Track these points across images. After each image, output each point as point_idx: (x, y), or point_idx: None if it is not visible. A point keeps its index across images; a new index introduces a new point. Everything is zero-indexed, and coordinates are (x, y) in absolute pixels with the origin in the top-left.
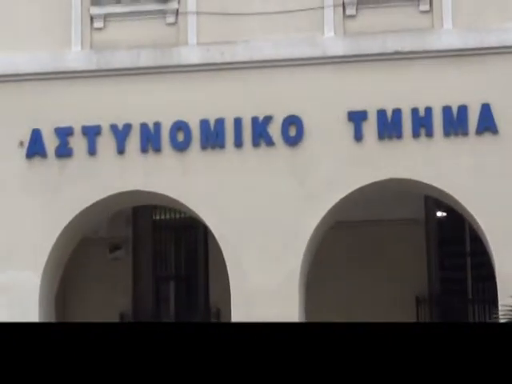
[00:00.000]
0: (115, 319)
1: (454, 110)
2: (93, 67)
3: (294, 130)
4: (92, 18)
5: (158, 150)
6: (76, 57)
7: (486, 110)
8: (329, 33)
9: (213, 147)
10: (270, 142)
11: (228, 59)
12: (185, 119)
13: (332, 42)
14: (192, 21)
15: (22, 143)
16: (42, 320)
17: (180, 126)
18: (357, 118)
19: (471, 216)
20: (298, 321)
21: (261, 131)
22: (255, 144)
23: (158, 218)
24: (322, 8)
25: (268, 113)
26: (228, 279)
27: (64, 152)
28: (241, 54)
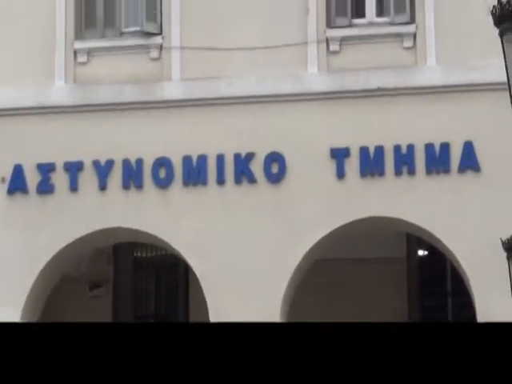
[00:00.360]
0: None
1: (437, 148)
2: (76, 102)
3: (276, 167)
4: (76, 53)
5: (139, 186)
6: (59, 91)
7: (468, 147)
8: (312, 69)
9: (195, 184)
10: (252, 179)
11: (211, 95)
12: (167, 155)
13: (315, 78)
14: (176, 56)
15: (3, 179)
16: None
17: (162, 163)
18: (339, 155)
19: (452, 255)
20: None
21: (243, 168)
22: (237, 181)
23: (139, 255)
24: (306, 44)
25: (250, 149)
26: (208, 318)
27: (45, 188)
28: (224, 89)
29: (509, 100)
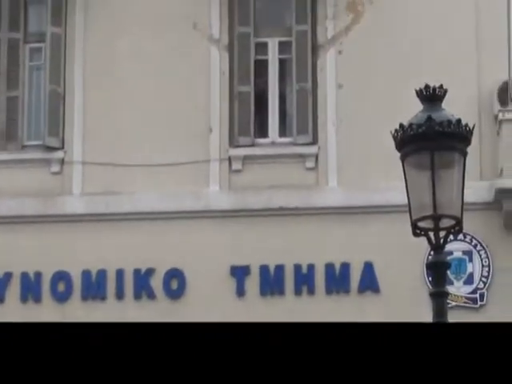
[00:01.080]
0: None
1: (337, 268)
2: None
3: (175, 284)
4: None
5: (37, 299)
6: None
7: (368, 268)
8: (214, 187)
9: (93, 298)
10: (151, 295)
11: (112, 210)
12: (66, 269)
13: (217, 196)
14: (77, 170)
15: None
16: None
17: (61, 276)
18: (239, 273)
19: None
20: None
21: (142, 283)
22: (136, 296)
23: None
24: (208, 162)
25: (150, 265)
26: None
27: None
28: (126, 205)
29: (409, 222)
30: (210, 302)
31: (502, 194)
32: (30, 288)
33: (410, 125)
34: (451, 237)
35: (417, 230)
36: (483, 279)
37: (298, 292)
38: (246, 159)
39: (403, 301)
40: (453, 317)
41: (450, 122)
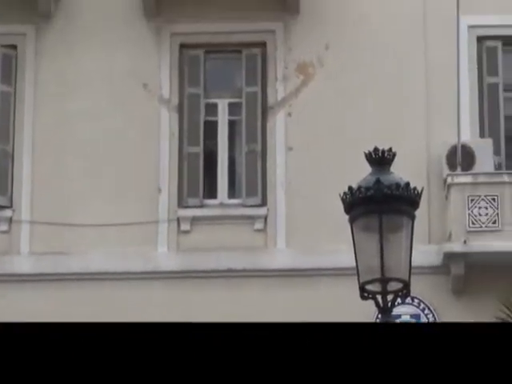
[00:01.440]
0: None
1: None
2: None
3: None
4: None
5: None
6: None
7: None
8: (162, 248)
9: None
10: None
11: (61, 270)
12: None
13: (165, 257)
14: (25, 230)
15: None
16: None
17: None
18: None
19: None
20: None
21: None
22: None
23: None
24: (157, 222)
25: None
26: None
27: None
28: (74, 265)
29: (357, 285)
30: None
31: (450, 258)
32: None
33: (359, 188)
34: (399, 300)
35: (364, 293)
36: None
37: None
38: (194, 220)
39: None
40: None
41: (398, 185)
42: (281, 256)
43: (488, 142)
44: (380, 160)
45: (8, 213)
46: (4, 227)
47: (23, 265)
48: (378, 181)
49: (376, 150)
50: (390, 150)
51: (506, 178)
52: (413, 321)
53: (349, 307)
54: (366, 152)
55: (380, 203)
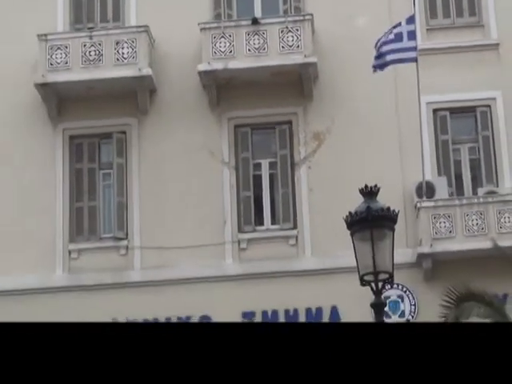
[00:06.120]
0: None
1: (313, 311)
2: None
3: None
4: None
5: None
6: None
7: (334, 310)
8: (228, 260)
9: None
10: None
11: (160, 278)
12: None
13: (230, 266)
14: (137, 253)
15: None
16: None
17: None
18: (249, 316)
19: None
20: None
21: None
22: None
23: None
24: (224, 243)
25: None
26: None
27: None
28: (169, 274)
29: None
30: None
31: (421, 257)
32: None
33: (356, 212)
34: (387, 286)
35: (363, 282)
36: (412, 314)
37: None
38: (249, 240)
39: None
40: None
41: (382, 209)
42: (308, 261)
43: (443, 179)
44: (369, 193)
45: (125, 242)
46: (123, 252)
47: (136, 276)
48: (368, 207)
49: (366, 186)
50: (376, 185)
51: (456, 202)
52: (399, 300)
53: (354, 292)
54: (360, 188)
55: (370, 222)
